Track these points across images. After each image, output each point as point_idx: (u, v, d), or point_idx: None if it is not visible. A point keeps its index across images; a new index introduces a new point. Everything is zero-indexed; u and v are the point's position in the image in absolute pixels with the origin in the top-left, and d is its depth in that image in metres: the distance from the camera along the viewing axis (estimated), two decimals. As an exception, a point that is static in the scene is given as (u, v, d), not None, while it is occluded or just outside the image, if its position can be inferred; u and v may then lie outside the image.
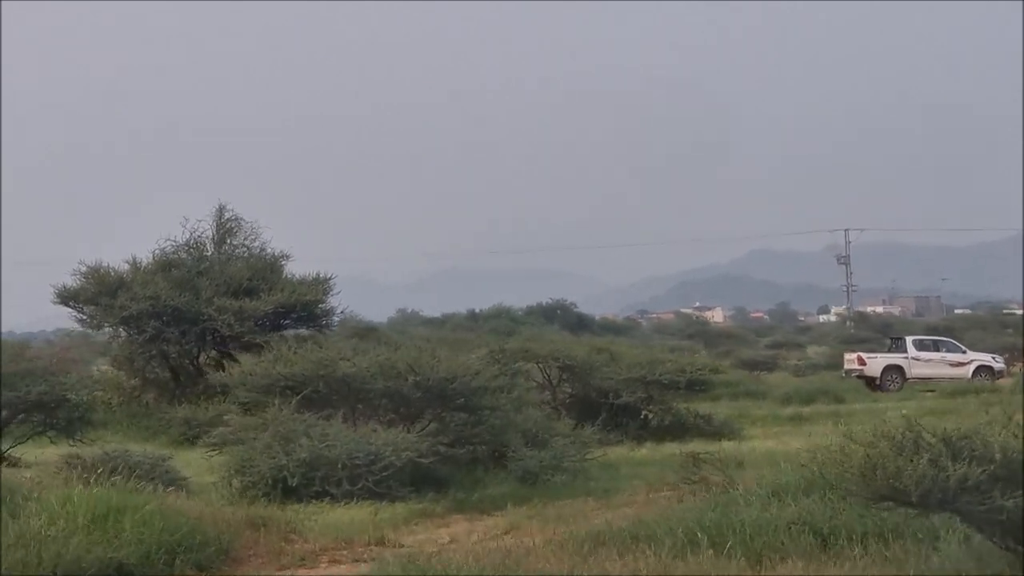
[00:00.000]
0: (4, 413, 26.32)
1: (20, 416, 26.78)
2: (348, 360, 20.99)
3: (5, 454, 26.09)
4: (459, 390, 20.84)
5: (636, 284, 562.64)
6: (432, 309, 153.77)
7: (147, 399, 35.98)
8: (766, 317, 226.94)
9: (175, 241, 37.63)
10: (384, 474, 19.04)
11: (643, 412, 30.99)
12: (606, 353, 31.69)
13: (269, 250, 38.24)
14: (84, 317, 37.59)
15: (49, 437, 27.40)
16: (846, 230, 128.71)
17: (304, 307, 36.66)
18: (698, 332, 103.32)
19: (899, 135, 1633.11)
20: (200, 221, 37.83)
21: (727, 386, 40.83)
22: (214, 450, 24.19)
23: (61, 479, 18.30)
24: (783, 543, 13.07)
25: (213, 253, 37.75)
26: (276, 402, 20.42)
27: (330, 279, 37.60)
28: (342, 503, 18.88)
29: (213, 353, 36.86)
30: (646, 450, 28.05)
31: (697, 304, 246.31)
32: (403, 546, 16.21)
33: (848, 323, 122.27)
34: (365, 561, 15.39)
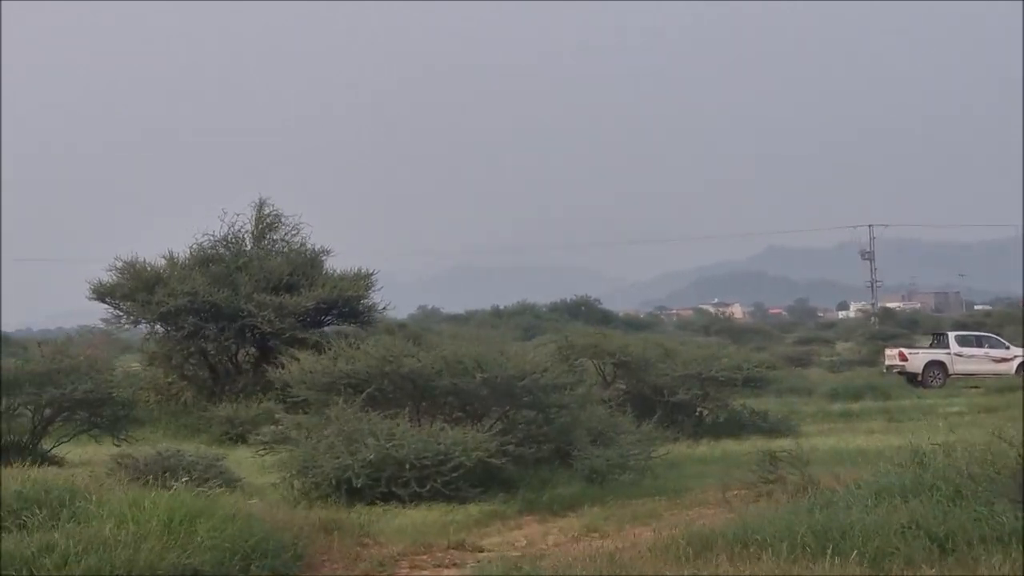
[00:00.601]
0: (48, 411, 25.69)
1: (63, 414, 26.14)
2: (413, 356, 20.19)
3: (48, 453, 25.48)
4: (528, 387, 20.08)
5: (652, 281, 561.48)
6: (448, 306, 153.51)
7: (185, 397, 35.23)
8: (784, 313, 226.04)
9: (212, 236, 36.91)
10: (453, 475, 18.33)
11: (698, 409, 30.22)
12: (660, 349, 30.94)
13: (309, 245, 37.50)
14: (120, 313, 36.79)
15: (93, 436, 26.78)
16: (870, 225, 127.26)
17: (346, 303, 35.95)
18: (725, 328, 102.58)
19: (909, 132, 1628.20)
20: (239, 215, 37.16)
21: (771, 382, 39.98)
22: (264, 449, 23.59)
23: (116, 480, 17.64)
24: (898, 547, 12.28)
25: (252, 248, 37.00)
26: (339, 400, 19.64)
27: (372, 274, 36.88)
28: (410, 505, 18.20)
29: (252, 350, 36.21)
30: (705, 447, 27.35)
31: (716, 300, 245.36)
32: (482, 550, 15.55)
33: (872, 319, 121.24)
34: (446, 566, 14.72)
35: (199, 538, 13.21)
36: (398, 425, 18.96)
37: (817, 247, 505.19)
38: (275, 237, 37.32)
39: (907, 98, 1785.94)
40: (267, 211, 37.39)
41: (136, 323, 37.03)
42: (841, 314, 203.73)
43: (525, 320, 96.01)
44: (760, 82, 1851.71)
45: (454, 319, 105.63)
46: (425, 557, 15.08)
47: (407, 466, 18.25)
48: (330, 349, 21.99)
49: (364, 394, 19.84)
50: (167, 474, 18.83)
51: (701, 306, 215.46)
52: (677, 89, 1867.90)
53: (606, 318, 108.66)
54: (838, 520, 13.08)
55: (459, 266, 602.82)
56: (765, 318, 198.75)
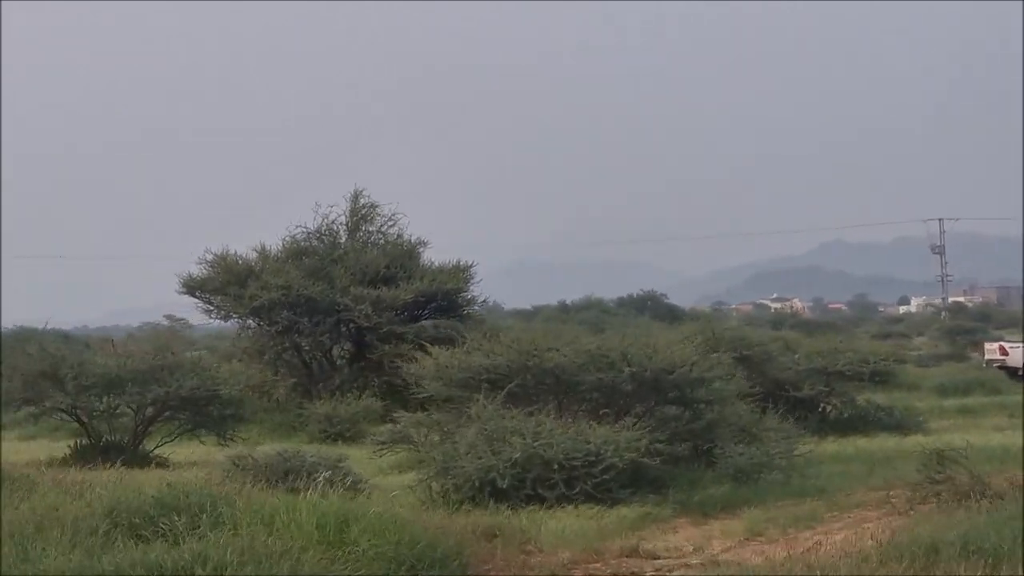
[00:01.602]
0: (150, 410, 24.73)
1: (166, 413, 25.17)
2: (557, 350, 19.00)
3: (151, 454, 24.58)
4: (676, 381, 18.88)
5: (706, 276, 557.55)
6: (508, 302, 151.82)
7: (277, 394, 34.14)
8: (844, 308, 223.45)
9: (306, 228, 35.87)
10: (604, 476, 17.14)
11: (821, 404, 28.89)
12: (780, 342, 29.68)
13: (406, 236, 36.41)
14: (211, 308, 35.78)
15: (198, 436, 25.85)
16: (940, 219, 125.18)
17: (445, 296, 34.81)
18: (795, 323, 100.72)
19: (909, 132, 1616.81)
20: (332, 207, 36.09)
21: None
22: (382, 449, 22.62)
23: (238, 482, 16.53)
24: None
25: (347, 240, 35.93)
26: (478, 397, 18.47)
27: (471, 266, 35.76)
28: (557, 507, 17.05)
29: (348, 346, 35.18)
30: (833, 444, 26.11)
31: (774, 296, 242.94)
32: (657, 556, 14.37)
33: (943, 314, 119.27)
34: (625, 576, 13.55)
35: (361, 547, 12.15)
36: (542, 423, 17.78)
37: (873, 242, 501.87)
38: (370, 229, 36.27)
39: (907, 98, 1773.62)
40: (362, 202, 36.32)
41: (227, 318, 36.03)
42: (902, 309, 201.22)
43: (592, 315, 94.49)
44: (760, 82, 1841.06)
45: (520, 314, 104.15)
46: (598, 565, 13.96)
47: (555, 466, 17.11)
48: (463, 343, 20.88)
49: (505, 390, 18.62)
50: (290, 476, 17.92)
51: (760, 301, 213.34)
52: (677, 89, 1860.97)
53: (672, 313, 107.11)
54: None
55: (524, 261, 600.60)
56: (826, 313, 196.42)
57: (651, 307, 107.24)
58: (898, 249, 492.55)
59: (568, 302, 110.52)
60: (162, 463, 24.17)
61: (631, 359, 18.82)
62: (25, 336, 49.91)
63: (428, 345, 21.78)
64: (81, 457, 23.58)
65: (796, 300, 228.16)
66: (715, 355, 21.68)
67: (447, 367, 19.69)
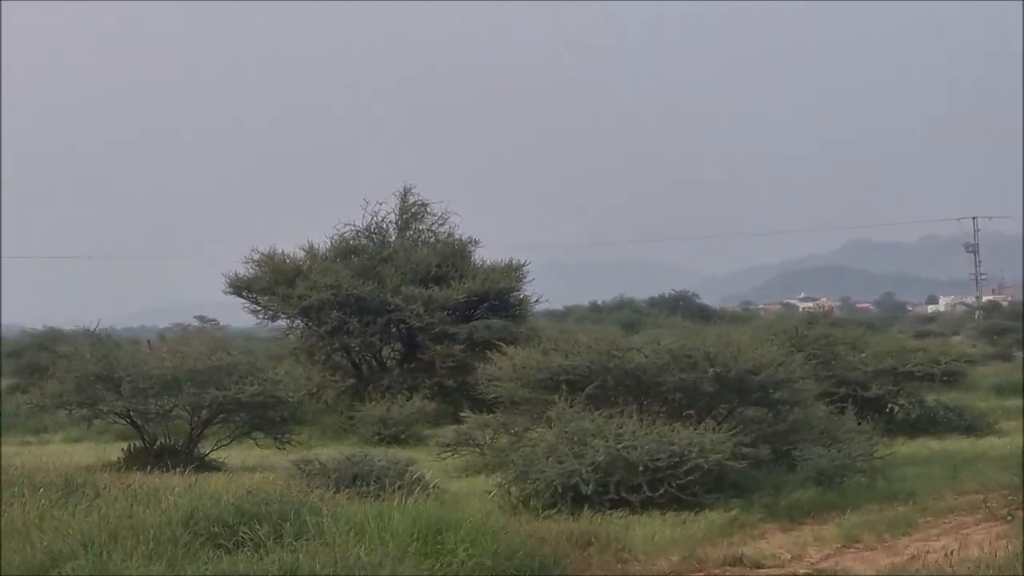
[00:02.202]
0: (204, 412, 24.13)
1: (222, 416, 24.59)
2: (638, 350, 18.38)
3: (206, 457, 24.02)
4: (762, 383, 18.25)
5: (729, 276, 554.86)
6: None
7: (327, 396, 33.54)
8: (872, 308, 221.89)
9: (354, 226, 35.27)
10: (689, 479, 16.53)
11: (888, 405, 28.20)
12: (848, 342, 29.02)
13: (457, 235, 35.77)
14: (258, 308, 35.16)
15: (255, 438, 25.32)
16: (974, 218, 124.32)
17: (497, 295, 34.16)
18: (834, 323, 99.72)
19: (909, 132, 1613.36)
20: (381, 204, 35.47)
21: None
22: (447, 451, 22.12)
23: (320, 488, 15.93)
24: None
25: (397, 239, 35.32)
26: (556, 399, 17.92)
27: (524, 265, 35.12)
28: (642, 512, 16.44)
29: (398, 346, 34.55)
30: (906, 446, 25.33)
31: (802, 295, 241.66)
32: (760, 565, 13.72)
33: (977, 313, 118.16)
34: (730, 586, 12.94)
35: (459, 558, 11.59)
36: (625, 425, 17.17)
37: (898, 241, 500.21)
38: (421, 227, 35.66)
39: (907, 98, 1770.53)
40: (412, 200, 35.71)
41: (274, 318, 35.46)
42: (930, 308, 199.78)
43: (624, 315, 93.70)
44: (760, 82, 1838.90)
45: (551, 314, 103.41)
46: (701, 575, 13.24)
47: (640, 468, 16.50)
48: (539, 343, 20.35)
49: (585, 391, 18.04)
50: (358, 480, 17.45)
51: (787, 300, 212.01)
52: (677, 89, 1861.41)
53: (703, 313, 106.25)
54: None
55: (550, 260, 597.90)
56: (854, 313, 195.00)
57: (683, 307, 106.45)
58: (922, 248, 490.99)
59: (599, 302, 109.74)
60: (218, 467, 23.61)
61: (715, 359, 18.20)
62: (55, 336, 49.65)
63: (503, 345, 21.18)
64: (135, 461, 23.12)
65: (824, 299, 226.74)
66: (800, 354, 21.06)
67: (524, 368, 19.07)
